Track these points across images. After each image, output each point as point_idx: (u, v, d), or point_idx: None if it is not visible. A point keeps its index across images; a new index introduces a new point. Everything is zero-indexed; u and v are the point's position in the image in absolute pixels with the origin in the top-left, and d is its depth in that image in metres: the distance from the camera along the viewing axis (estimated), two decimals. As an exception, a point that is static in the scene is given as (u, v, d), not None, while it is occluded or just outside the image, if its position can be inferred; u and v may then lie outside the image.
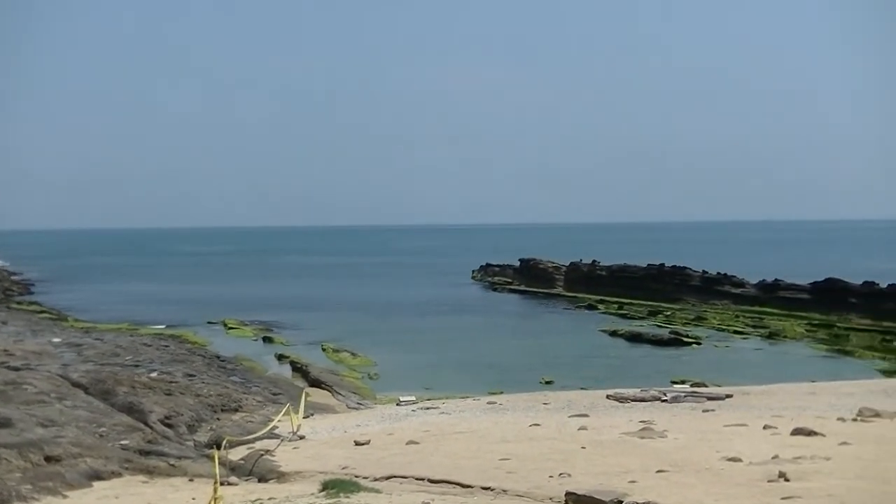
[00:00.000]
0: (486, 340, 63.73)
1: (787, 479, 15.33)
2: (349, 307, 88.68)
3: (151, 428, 27.82)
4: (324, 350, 57.68)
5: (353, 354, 55.42)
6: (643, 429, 22.83)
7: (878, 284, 75.16)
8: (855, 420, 25.03)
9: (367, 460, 21.32)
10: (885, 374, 49.27)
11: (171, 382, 36.29)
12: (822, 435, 21.23)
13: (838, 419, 24.97)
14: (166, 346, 51.48)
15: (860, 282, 76.55)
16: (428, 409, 32.84)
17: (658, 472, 17.04)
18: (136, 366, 41.06)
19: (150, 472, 21.86)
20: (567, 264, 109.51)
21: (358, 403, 37.78)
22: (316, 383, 43.12)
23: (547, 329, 72.07)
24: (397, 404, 35.67)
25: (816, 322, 71.52)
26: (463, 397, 37.79)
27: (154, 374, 38.06)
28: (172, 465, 22.43)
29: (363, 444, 23.94)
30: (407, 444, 23.47)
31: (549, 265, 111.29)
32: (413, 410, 32.66)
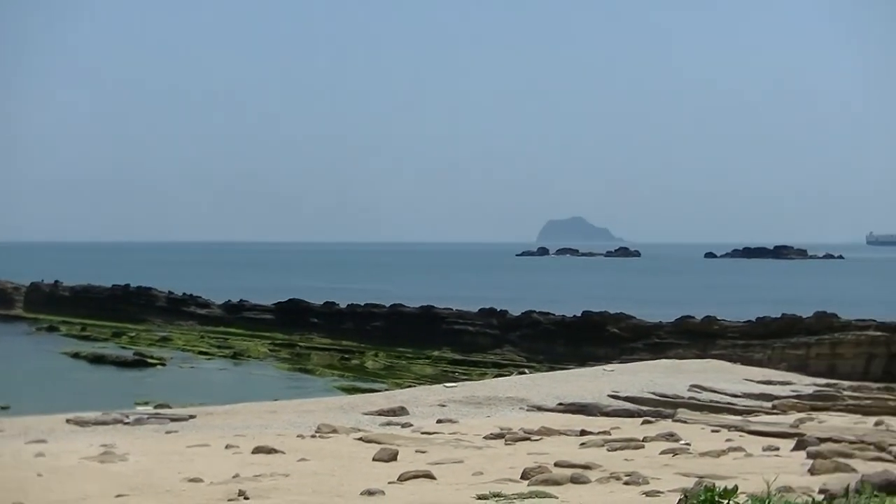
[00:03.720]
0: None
1: (246, 497, 15.38)
2: None
3: None
4: None
5: None
6: (104, 453, 22.08)
7: (337, 304, 78.32)
8: (314, 437, 25.76)
9: None
10: (344, 391, 51.26)
11: None
12: (283, 452, 21.62)
13: (298, 436, 25.58)
14: None
15: (322, 302, 79.39)
16: None
17: (118, 496, 16.52)
18: None
19: None
20: (28, 284, 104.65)
21: None
22: None
23: (3, 352, 68.41)
24: None
25: (280, 341, 73.23)
26: None
27: None
28: None
29: None
30: None
31: (9, 285, 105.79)
32: None
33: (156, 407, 37.08)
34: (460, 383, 43.72)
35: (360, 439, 25.33)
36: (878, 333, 49.73)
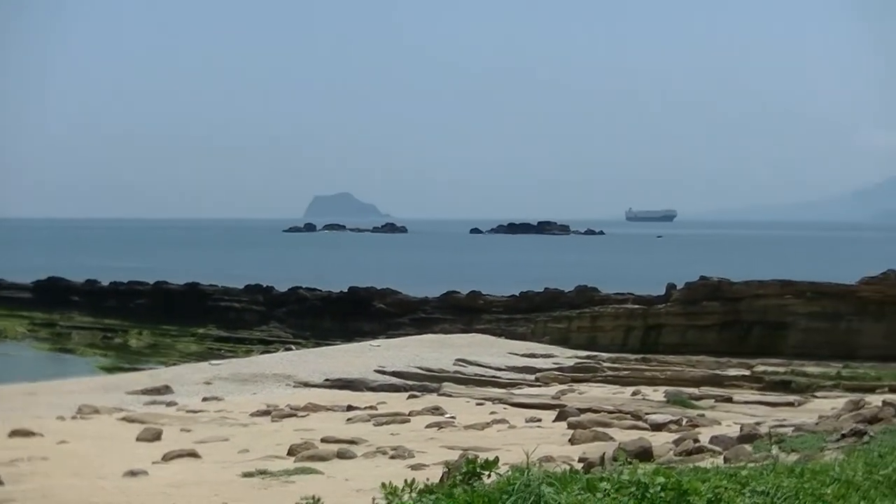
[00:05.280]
0: None
1: (1, 483, 14.83)
2: None
3: None
4: None
5: None
6: None
7: (99, 282, 76.15)
8: (74, 418, 25.06)
9: None
10: (106, 370, 50.00)
11: None
12: (42, 435, 20.95)
13: (58, 418, 24.82)
14: None
15: (83, 280, 77.05)
16: None
17: None
18: None
19: None
20: None
21: None
22: None
23: None
24: None
25: (39, 321, 70.70)
26: None
27: None
28: None
29: None
30: None
31: None
32: None
33: None
34: (226, 360, 43.31)
35: (124, 419, 24.82)
36: (636, 307, 51.69)
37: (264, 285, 70.83)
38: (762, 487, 6.44)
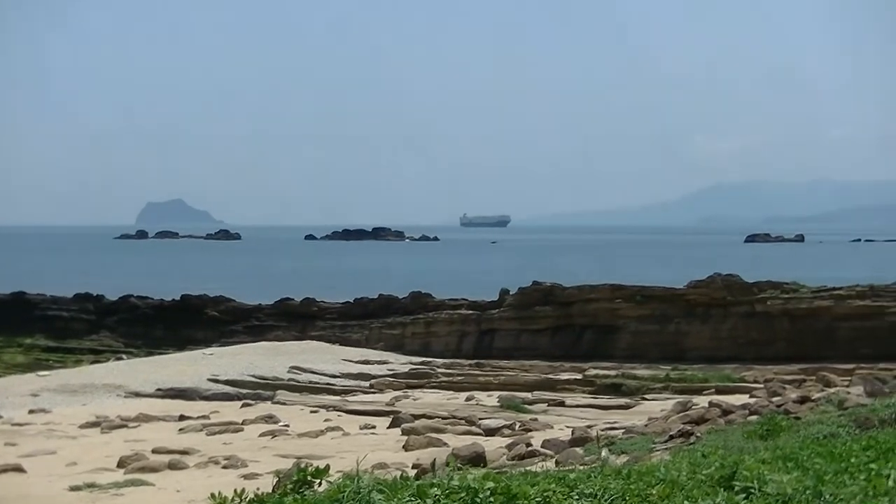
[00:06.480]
0: None
1: None
2: None
3: None
4: None
5: None
6: None
7: (-82, 292, 73.28)
8: None
9: None
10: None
11: None
12: None
13: None
14: None
15: None
16: None
17: None
18: None
19: None
20: None
21: None
22: None
23: None
24: None
25: None
26: None
27: None
28: None
29: None
30: None
31: None
32: None
33: None
34: (54, 371, 42.23)
35: (-57, 434, 23.99)
36: (470, 312, 52.13)
37: (94, 294, 69.19)
38: (590, 490, 6.54)
